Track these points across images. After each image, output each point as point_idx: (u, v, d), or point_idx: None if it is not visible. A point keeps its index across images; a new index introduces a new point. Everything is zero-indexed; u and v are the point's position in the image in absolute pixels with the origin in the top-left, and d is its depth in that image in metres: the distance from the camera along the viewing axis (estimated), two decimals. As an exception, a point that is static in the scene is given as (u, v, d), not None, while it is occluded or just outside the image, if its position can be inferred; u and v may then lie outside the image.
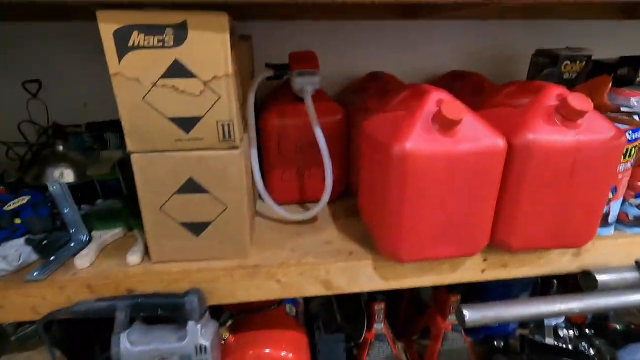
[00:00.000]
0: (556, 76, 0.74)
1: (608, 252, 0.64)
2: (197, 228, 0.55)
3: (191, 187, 0.52)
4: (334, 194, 0.77)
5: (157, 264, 0.56)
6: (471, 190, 0.51)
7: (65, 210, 0.60)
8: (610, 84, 0.61)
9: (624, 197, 0.63)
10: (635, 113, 0.58)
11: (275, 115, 0.69)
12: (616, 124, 0.55)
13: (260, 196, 0.68)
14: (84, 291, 0.53)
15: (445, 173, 0.50)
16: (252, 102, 0.64)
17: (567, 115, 0.51)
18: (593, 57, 0.76)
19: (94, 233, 0.62)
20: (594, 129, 0.52)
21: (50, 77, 0.81)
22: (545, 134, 0.51)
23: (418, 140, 0.49)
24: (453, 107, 0.48)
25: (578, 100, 0.50)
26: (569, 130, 0.51)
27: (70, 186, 0.71)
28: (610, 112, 0.61)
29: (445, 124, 0.49)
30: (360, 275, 0.59)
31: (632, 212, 0.63)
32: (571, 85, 0.75)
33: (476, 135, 0.50)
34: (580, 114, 0.50)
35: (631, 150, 0.57)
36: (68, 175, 0.78)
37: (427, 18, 0.85)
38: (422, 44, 0.89)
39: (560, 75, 0.74)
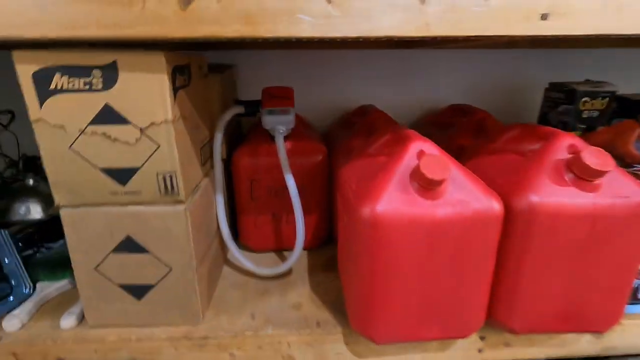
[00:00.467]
0: (573, 115, 0.64)
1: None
2: (138, 291, 0.47)
3: (130, 246, 0.45)
4: (315, 241, 0.69)
5: (94, 329, 0.49)
6: (459, 263, 0.42)
7: (6, 261, 0.54)
8: (638, 131, 0.50)
9: (658, 268, 0.51)
10: (670, 168, 0.47)
11: (247, 155, 0.62)
12: (645, 183, 0.44)
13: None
14: (9, 360, 0.47)
15: (425, 242, 0.41)
16: (219, 142, 0.58)
17: (581, 174, 0.41)
18: (618, 93, 0.65)
19: (39, 284, 0.56)
20: (616, 191, 0.42)
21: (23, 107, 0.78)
22: (553, 196, 0.41)
23: (392, 202, 0.40)
24: (435, 163, 0.40)
25: (595, 157, 0.40)
26: (583, 191, 0.42)
27: (39, 222, 0.67)
28: (638, 163, 0.50)
29: (425, 184, 0.40)
30: (329, 352, 0.50)
31: (670, 285, 0.51)
32: (591, 126, 0.65)
33: (465, 196, 0.41)
34: (598, 174, 0.40)
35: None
36: (35, 211, 0.73)
37: (424, 47, 0.77)
38: (418, 74, 0.81)
39: (578, 113, 0.64)
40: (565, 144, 0.44)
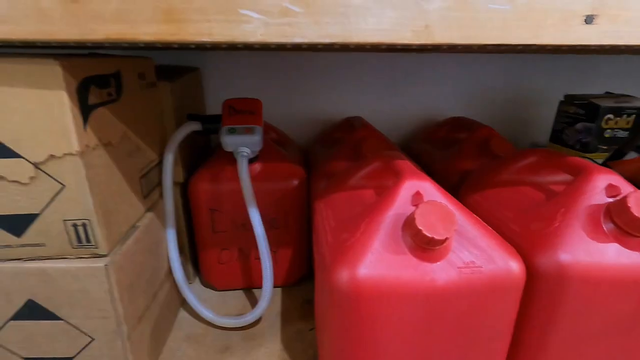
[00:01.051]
0: (594, 134, 0.55)
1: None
2: (52, 365, 0.37)
3: (34, 311, 0.34)
4: (293, 277, 0.59)
5: (-2, 410, 0.38)
6: (466, 341, 0.32)
7: None
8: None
9: None
10: None
11: (206, 179, 0.51)
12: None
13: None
14: None
15: (421, 317, 0.31)
16: (169, 166, 0.47)
17: (626, 227, 0.31)
18: (645, 109, 0.56)
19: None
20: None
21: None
22: (589, 255, 0.32)
23: (377, 265, 0.30)
24: (436, 214, 0.29)
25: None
26: (628, 249, 0.32)
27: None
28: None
29: (422, 242, 0.30)
30: None
31: None
32: (615, 148, 0.55)
33: (475, 255, 0.31)
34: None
35: None
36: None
37: (420, 51, 0.67)
38: (413, 82, 0.71)
39: (600, 132, 0.54)
40: (602, 183, 0.34)
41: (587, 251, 0.32)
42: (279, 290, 0.59)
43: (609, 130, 0.55)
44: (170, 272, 0.49)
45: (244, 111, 0.47)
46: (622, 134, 0.55)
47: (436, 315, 0.31)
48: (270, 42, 0.25)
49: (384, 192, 0.34)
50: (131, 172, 0.40)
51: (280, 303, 0.56)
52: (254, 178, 0.52)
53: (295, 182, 0.53)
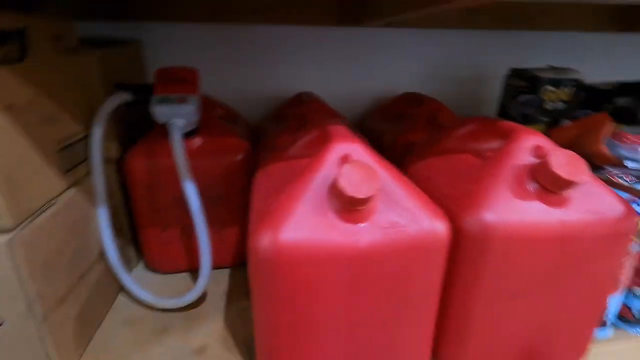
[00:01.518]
0: (535, 105, 0.56)
1: (604, 363, 0.45)
2: (-43, 352, 0.34)
3: None
4: (239, 257, 0.57)
5: None
6: (393, 302, 0.32)
7: None
8: (609, 126, 0.42)
9: (628, 287, 0.44)
10: (645, 171, 0.39)
11: (142, 154, 0.49)
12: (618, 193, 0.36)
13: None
14: None
15: (346, 280, 0.30)
16: (97, 140, 0.44)
17: (548, 185, 0.32)
18: (585, 81, 0.58)
19: None
20: (589, 205, 0.33)
21: None
22: (511, 213, 0.32)
23: (300, 228, 0.29)
24: (360, 174, 0.29)
25: (565, 163, 0.31)
26: (549, 206, 0.32)
27: None
28: (609, 165, 0.42)
29: (346, 203, 0.29)
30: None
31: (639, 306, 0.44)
32: (555, 119, 0.57)
33: (400, 216, 0.30)
34: (568, 184, 0.31)
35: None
36: None
37: (373, 25, 0.66)
38: (366, 57, 0.70)
39: (540, 104, 0.56)
40: (528, 144, 0.35)
41: (510, 210, 0.32)
42: (227, 271, 0.57)
43: (549, 102, 0.56)
44: (104, 253, 0.46)
45: (177, 79, 0.45)
46: (562, 105, 0.57)
47: (362, 277, 0.30)
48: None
49: (314, 157, 0.33)
50: (45, 143, 0.36)
51: (227, 283, 0.54)
52: (193, 153, 0.50)
53: (239, 157, 0.51)
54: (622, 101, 0.56)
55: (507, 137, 0.36)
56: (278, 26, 0.66)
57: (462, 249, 0.33)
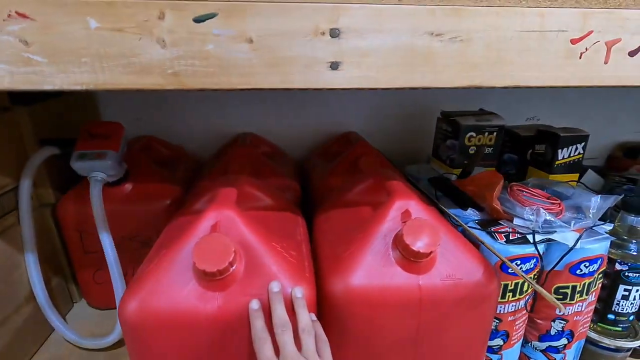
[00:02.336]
0: (459, 151, 0.57)
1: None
2: None
3: None
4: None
5: None
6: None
7: None
8: (501, 184, 0.44)
9: (525, 339, 0.45)
10: (530, 231, 0.40)
11: (72, 202, 0.52)
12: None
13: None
14: None
15: (206, 341, 0.32)
16: (26, 191, 0.47)
17: (404, 253, 0.34)
18: (506, 126, 0.59)
19: None
20: (450, 271, 0.35)
21: None
22: (373, 279, 0.34)
23: (156, 296, 0.31)
24: (215, 250, 0.31)
25: (417, 234, 0.33)
26: (409, 272, 0.34)
27: None
28: (503, 220, 0.44)
29: (202, 274, 0.31)
30: None
31: (537, 358, 0.45)
32: (481, 163, 0.58)
33: (260, 280, 0.33)
34: (418, 255, 0.33)
35: (524, 285, 0.40)
36: None
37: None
38: (313, 98, 0.72)
39: (464, 149, 0.57)
40: (399, 210, 0.37)
41: (371, 275, 0.34)
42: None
43: (472, 147, 0.58)
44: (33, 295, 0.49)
45: (99, 135, 0.48)
46: (487, 150, 0.58)
47: (225, 339, 0.32)
48: (19, 89, 0.26)
49: (195, 220, 0.36)
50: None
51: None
52: (123, 199, 0.53)
53: (167, 202, 0.54)
54: (539, 148, 0.57)
55: (385, 200, 0.38)
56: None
57: (328, 312, 0.35)
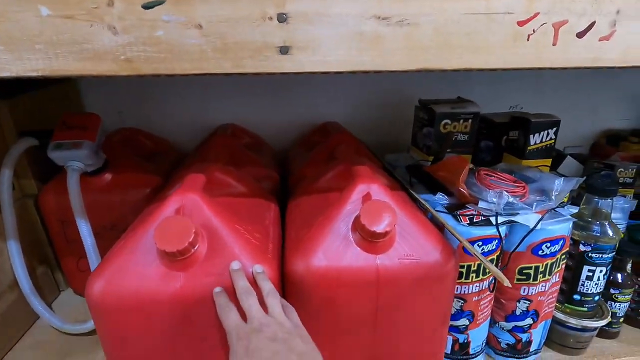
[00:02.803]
0: (434, 138, 0.58)
1: (475, 391, 0.47)
2: None
3: None
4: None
5: None
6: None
7: None
8: (467, 169, 0.44)
9: (493, 319, 0.46)
10: (493, 213, 0.41)
11: (53, 192, 0.53)
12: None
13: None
14: None
15: (170, 320, 0.33)
16: (6, 181, 0.48)
17: (362, 234, 0.35)
18: (482, 113, 0.60)
19: None
20: (408, 251, 0.36)
21: None
22: (333, 259, 0.35)
23: (121, 276, 0.33)
24: (175, 231, 0.32)
25: (374, 214, 0.34)
26: (368, 253, 0.35)
27: None
28: (468, 203, 0.45)
29: (164, 254, 0.32)
30: None
31: (505, 338, 0.46)
32: (457, 150, 0.59)
33: (221, 262, 0.34)
34: (375, 235, 0.34)
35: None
36: None
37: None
38: (295, 88, 0.73)
39: (439, 136, 0.58)
40: (360, 193, 0.38)
41: (331, 256, 0.35)
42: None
43: (452, 139, 0.58)
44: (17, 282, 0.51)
45: (75, 126, 0.49)
46: (462, 137, 0.59)
47: (187, 320, 0.33)
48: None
49: (161, 205, 0.37)
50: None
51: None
52: (103, 189, 0.55)
53: (147, 191, 0.55)
54: (513, 134, 0.57)
55: (348, 184, 0.39)
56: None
57: (291, 292, 0.36)
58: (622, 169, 0.65)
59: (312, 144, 0.67)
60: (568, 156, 0.68)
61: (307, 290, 0.35)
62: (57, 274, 0.61)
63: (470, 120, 0.58)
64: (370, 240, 0.34)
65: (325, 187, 0.45)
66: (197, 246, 0.33)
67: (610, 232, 0.43)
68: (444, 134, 0.58)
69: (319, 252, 0.35)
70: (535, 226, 0.40)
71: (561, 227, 0.41)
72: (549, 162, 0.56)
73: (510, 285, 0.33)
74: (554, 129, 0.54)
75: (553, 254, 0.41)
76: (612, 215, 0.48)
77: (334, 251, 0.35)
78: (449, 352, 0.45)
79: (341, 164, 0.47)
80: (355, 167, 0.42)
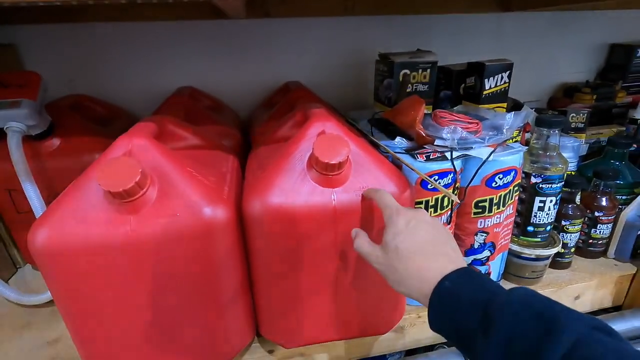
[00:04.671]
0: (395, 90, 0.58)
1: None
2: None
3: None
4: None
5: None
6: (179, 286, 0.34)
7: None
8: (423, 108, 0.45)
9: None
10: (448, 149, 0.42)
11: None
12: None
13: None
14: None
15: (120, 264, 0.32)
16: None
17: (317, 167, 0.35)
18: (440, 63, 0.60)
19: None
20: (363, 182, 0.36)
21: None
22: (289, 196, 0.35)
23: (66, 222, 0.31)
24: (120, 171, 0.31)
25: (328, 147, 0.34)
26: (323, 187, 0.35)
27: None
28: (426, 144, 0.45)
29: (112, 195, 0.31)
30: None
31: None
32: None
33: (172, 204, 0.33)
34: (329, 168, 0.34)
35: (444, 200, 0.42)
36: None
37: (250, 16, 0.67)
38: (251, 50, 0.71)
39: (399, 87, 0.58)
40: (316, 130, 0.37)
41: (286, 193, 0.35)
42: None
43: (408, 85, 0.59)
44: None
45: (12, 84, 0.46)
46: (422, 87, 0.59)
47: (137, 266, 0.33)
48: None
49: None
50: None
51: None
52: (50, 154, 0.52)
53: (97, 156, 0.52)
54: (470, 81, 0.59)
55: (302, 125, 0.39)
56: (156, 23, 0.67)
57: (251, 232, 0.36)
58: (574, 114, 0.68)
59: (274, 103, 0.65)
60: (525, 104, 0.70)
61: (266, 228, 0.35)
62: (12, 249, 0.58)
63: (429, 70, 0.59)
64: (325, 174, 0.34)
65: (283, 136, 0.45)
66: (146, 188, 0.32)
67: (558, 163, 0.45)
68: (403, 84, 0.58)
69: (275, 190, 0.35)
70: (488, 157, 0.41)
71: (512, 159, 0.42)
72: (504, 105, 0.57)
73: (458, 201, 0.34)
74: (507, 72, 0.55)
75: (506, 185, 0.43)
76: (564, 154, 0.50)
77: (289, 188, 0.35)
78: (413, 289, 0.47)
79: (299, 112, 0.46)
80: (311, 110, 0.41)
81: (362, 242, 0.32)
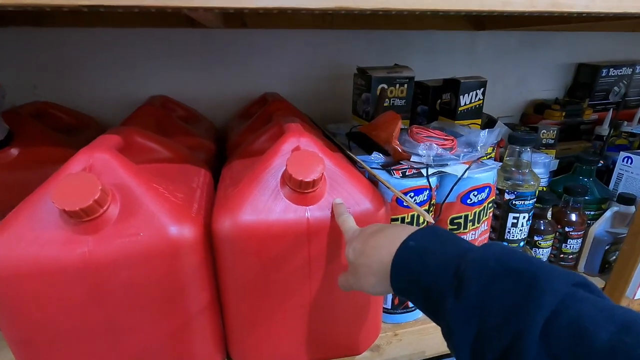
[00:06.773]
0: (372, 104, 0.58)
1: (415, 341, 0.48)
2: None
3: None
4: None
5: None
6: (146, 307, 0.32)
7: None
8: (399, 124, 0.45)
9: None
10: (424, 166, 0.42)
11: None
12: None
13: None
14: None
15: (77, 288, 0.30)
16: None
17: (290, 184, 0.34)
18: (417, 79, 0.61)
19: None
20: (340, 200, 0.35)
21: None
22: (261, 213, 0.33)
23: (15, 243, 0.29)
24: (78, 188, 0.29)
25: (301, 164, 0.33)
26: (297, 205, 0.34)
27: None
28: (402, 160, 0.45)
29: (70, 215, 0.29)
30: None
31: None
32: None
33: (135, 223, 0.31)
34: (303, 185, 0.33)
35: (419, 218, 0.42)
36: None
37: (228, 26, 0.66)
38: (234, 60, 0.70)
39: (376, 101, 0.58)
40: (290, 146, 0.36)
41: (259, 210, 0.33)
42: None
43: (385, 100, 0.59)
44: None
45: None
46: (399, 102, 0.60)
47: (99, 290, 0.30)
48: None
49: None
50: None
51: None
52: (9, 164, 0.48)
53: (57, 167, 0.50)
54: (446, 97, 0.60)
55: (280, 138, 0.38)
56: (133, 30, 0.65)
57: (221, 250, 0.34)
58: (545, 131, 0.71)
59: (251, 114, 0.64)
60: (499, 120, 0.72)
61: (236, 247, 0.33)
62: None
63: (405, 85, 0.59)
64: (299, 191, 0.33)
65: (258, 149, 0.44)
66: (106, 206, 0.30)
67: (530, 180, 0.46)
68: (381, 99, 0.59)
69: (247, 207, 0.33)
70: (463, 174, 0.41)
71: (487, 176, 0.43)
72: (479, 121, 0.58)
73: (432, 221, 0.34)
74: (482, 89, 0.56)
75: (480, 202, 0.43)
76: (536, 170, 0.51)
77: (262, 206, 0.33)
78: (389, 307, 0.46)
79: (275, 126, 0.45)
80: (287, 124, 0.40)
81: (339, 279, 0.32)
